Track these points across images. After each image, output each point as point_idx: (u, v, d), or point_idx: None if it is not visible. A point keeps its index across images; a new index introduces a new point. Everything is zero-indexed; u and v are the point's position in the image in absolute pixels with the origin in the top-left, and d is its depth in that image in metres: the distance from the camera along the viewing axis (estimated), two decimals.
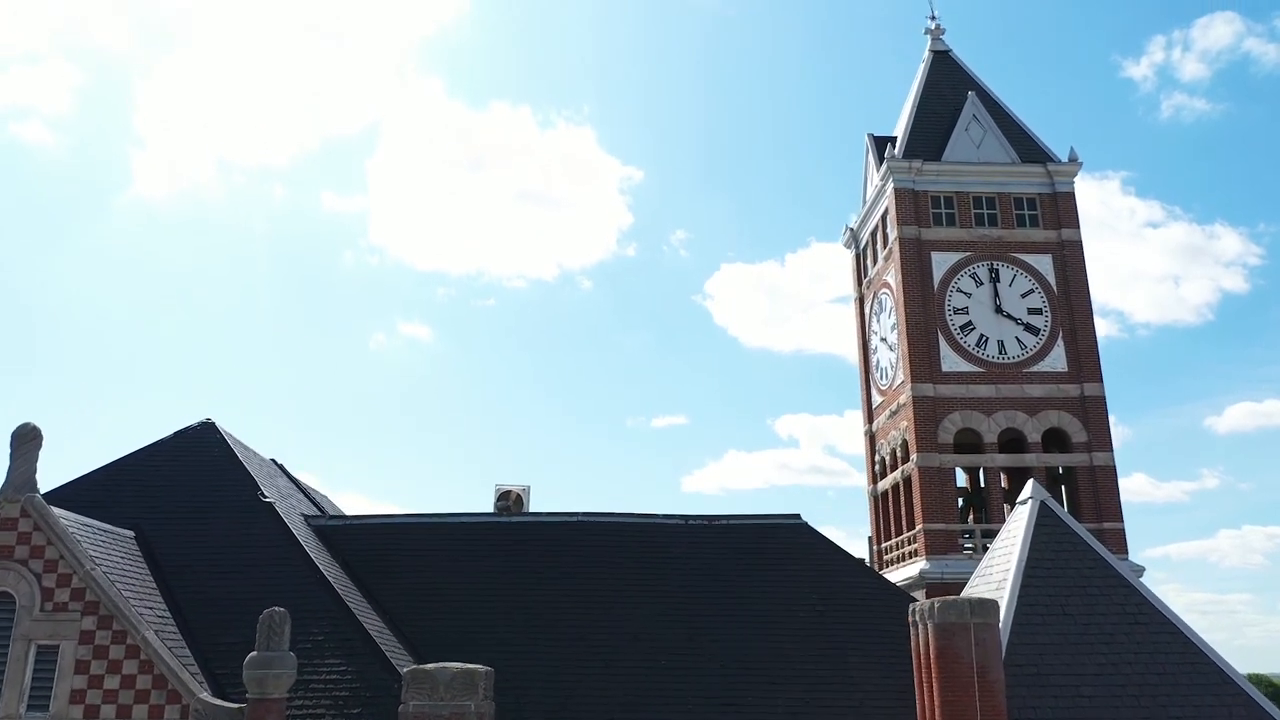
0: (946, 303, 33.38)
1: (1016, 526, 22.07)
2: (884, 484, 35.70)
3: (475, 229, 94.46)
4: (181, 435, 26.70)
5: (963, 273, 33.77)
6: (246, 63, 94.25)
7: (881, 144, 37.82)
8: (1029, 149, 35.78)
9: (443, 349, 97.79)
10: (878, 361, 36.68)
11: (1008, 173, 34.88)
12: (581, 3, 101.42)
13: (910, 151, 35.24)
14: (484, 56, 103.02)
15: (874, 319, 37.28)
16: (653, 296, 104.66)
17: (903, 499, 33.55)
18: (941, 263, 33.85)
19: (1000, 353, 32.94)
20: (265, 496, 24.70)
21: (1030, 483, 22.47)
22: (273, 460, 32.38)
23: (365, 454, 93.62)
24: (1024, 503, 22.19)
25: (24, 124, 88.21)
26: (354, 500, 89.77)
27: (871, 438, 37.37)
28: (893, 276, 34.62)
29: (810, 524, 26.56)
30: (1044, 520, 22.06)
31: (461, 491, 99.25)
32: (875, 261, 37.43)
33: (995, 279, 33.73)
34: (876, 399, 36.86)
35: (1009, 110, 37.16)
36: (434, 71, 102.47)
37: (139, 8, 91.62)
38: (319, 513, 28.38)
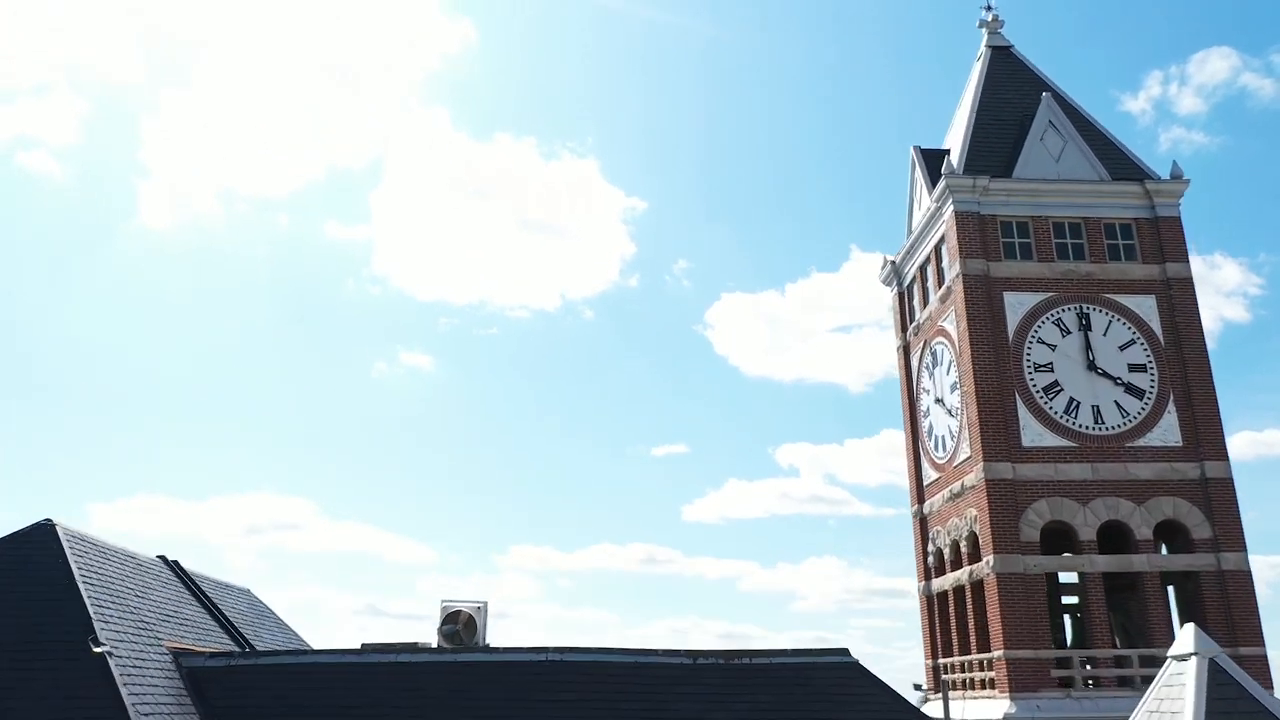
0: (1025, 357, 26.12)
1: (1176, 695, 14.76)
2: (941, 583, 28.28)
3: (478, 259, 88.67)
4: (9, 542, 19.45)
5: (1044, 319, 26.54)
6: (253, 95, 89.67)
7: (933, 160, 30.74)
8: (1119, 163, 28.70)
9: (444, 377, 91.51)
10: (931, 427, 29.38)
11: (1096, 192, 27.74)
12: (585, 34, 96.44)
13: (972, 166, 28.15)
14: (489, 88, 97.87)
15: (924, 373, 30.02)
16: (654, 326, 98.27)
17: (970, 608, 26.11)
18: (1017, 306, 26.63)
19: (1096, 421, 25.63)
20: (98, 645, 17.30)
21: (1191, 630, 15.09)
22: (162, 559, 25.08)
23: (365, 480, 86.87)
24: (1184, 659, 14.87)
25: (31, 154, 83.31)
26: (353, 529, 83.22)
27: (922, 521, 29.97)
28: (953, 323, 27.40)
29: (861, 663, 19.22)
30: (1218, 688, 14.83)
31: (457, 518, 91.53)
32: (926, 303, 30.23)
33: (1086, 327, 26.49)
34: (929, 474, 29.51)
35: (1089, 116, 30.12)
36: (439, 102, 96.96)
37: (149, 40, 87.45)
38: (205, 653, 20.85)
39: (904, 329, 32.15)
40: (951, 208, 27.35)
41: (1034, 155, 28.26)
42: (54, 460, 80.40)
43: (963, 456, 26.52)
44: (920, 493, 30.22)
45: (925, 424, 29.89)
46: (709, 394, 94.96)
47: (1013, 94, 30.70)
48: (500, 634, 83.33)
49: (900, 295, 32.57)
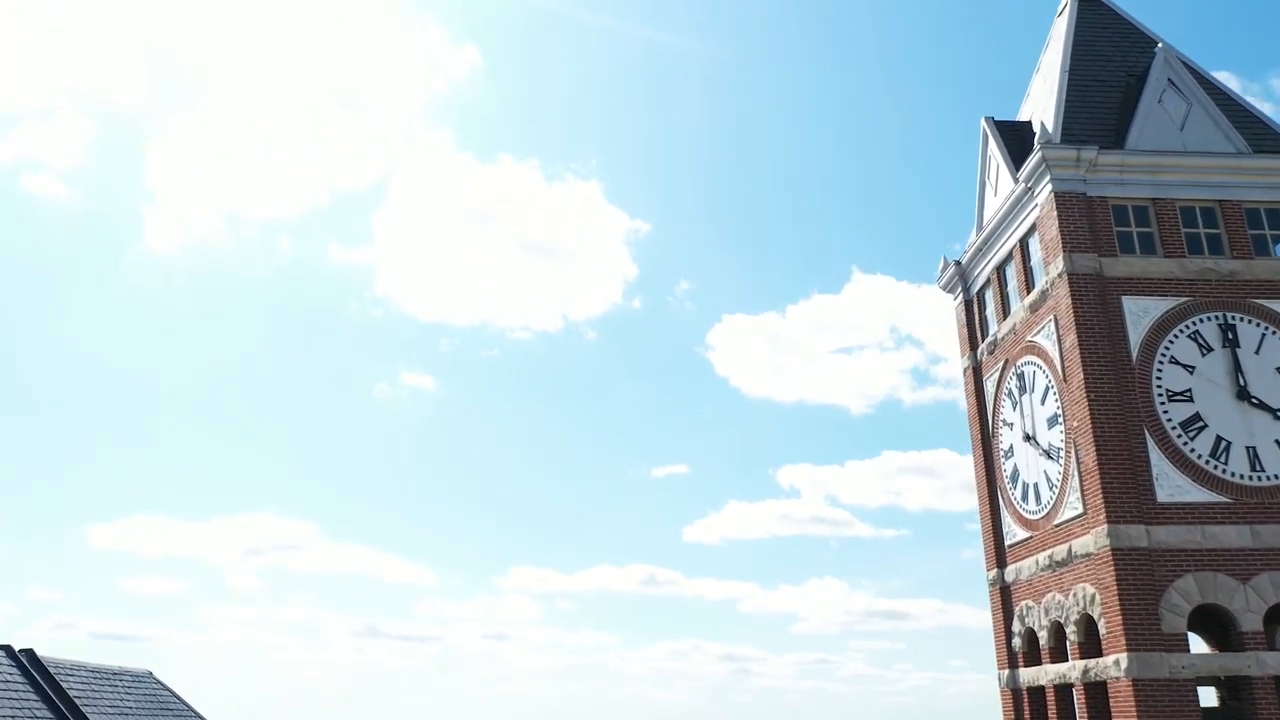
0: (1155, 382, 19.72)
1: None
2: (1035, 676, 21.72)
3: (481, 281, 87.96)
4: None
5: (1177, 332, 20.16)
6: (259, 118, 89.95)
7: (1011, 134, 24.48)
8: (1259, 132, 22.41)
9: (446, 398, 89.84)
10: (1015, 472, 22.90)
11: (1236, 168, 21.42)
12: (589, 57, 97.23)
13: (1071, 134, 21.85)
14: (493, 111, 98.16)
15: (1005, 402, 23.57)
16: (656, 348, 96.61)
17: (1085, 715, 19.57)
18: (1140, 315, 20.25)
19: (1253, 468, 19.20)
20: None
21: None
22: (5, 649, 18.89)
23: (366, 501, 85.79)
24: None
25: (36, 176, 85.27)
26: (353, 550, 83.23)
27: (1004, 591, 23.44)
28: (1050, 337, 21.01)
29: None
30: None
31: (457, 539, 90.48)
32: (1006, 312, 23.85)
33: (1233, 342, 20.11)
34: (1014, 531, 23.00)
35: (1210, 76, 23.86)
36: (444, 125, 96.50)
37: (156, 64, 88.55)
38: None
39: (973, 346, 25.72)
40: (1049, 188, 21.01)
41: (1152, 121, 21.95)
42: (54, 480, 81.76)
43: (1069, 514, 20.05)
44: (1000, 555, 23.69)
45: (1007, 466, 23.41)
46: (710, 415, 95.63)
47: (1110, 49, 24.45)
48: (500, 657, 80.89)
49: (967, 304, 26.16)
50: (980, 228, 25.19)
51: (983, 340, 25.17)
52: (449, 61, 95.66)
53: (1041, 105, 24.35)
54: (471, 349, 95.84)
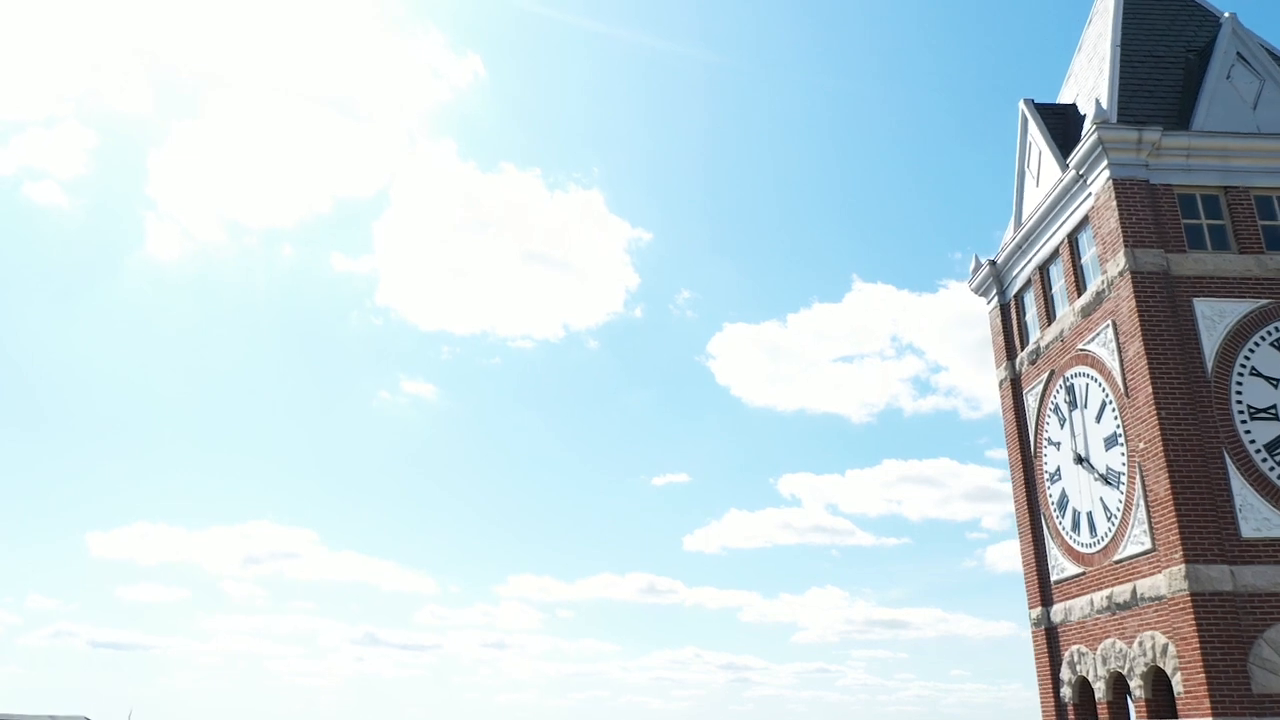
0: (1235, 397, 17.02)
1: None
2: None
3: (482, 289, 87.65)
4: None
5: (1258, 339, 17.46)
6: (261, 127, 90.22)
7: (1054, 117, 21.88)
8: None
9: (447, 407, 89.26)
10: (1064, 497, 20.20)
11: None
12: (592, 66, 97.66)
13: (1128, 115, 19.21)
14: (497, 120, 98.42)
15: (1051, 419, 20.88)
16: (657, 356, 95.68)
17: None
18: (1214, 319, 17.57)
19: None
20: None
21: None
22: None
23: (366, 509, 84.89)
24: None
25: (38, 185, 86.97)
26: (352, 558, 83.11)
27: (1050, 634, 20.70)
28: (1108, 345, 18.33)
29: None
30: None
31: (458, 547, 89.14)
32: (1050, 317, 21.19)
33: None
34: (1063, 565, 20.26)
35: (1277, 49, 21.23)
36: (447, 135, 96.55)
37: (158, 73, 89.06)
38: None
39: (1010, 355, 23.03)
40: (1106, 174, 18.35)
41: (1220, 100, 19.30)
42: (54, 488, 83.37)
43: (1134, 549, 17.32)
44: (1045, 591, 20.95)
45: (1052, 491, 20.70)
46: (711, 424, 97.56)
47: (1165, 23, 21.82)
48: (499, 666, 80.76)
49: (1004, 309, 23.48)
50: (1019, 223, 22.54)
51: (1022, 349, 22.49)
52: (452, 71, 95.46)
53: (1089, 85, 21.71)
54: (472, 357, 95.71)
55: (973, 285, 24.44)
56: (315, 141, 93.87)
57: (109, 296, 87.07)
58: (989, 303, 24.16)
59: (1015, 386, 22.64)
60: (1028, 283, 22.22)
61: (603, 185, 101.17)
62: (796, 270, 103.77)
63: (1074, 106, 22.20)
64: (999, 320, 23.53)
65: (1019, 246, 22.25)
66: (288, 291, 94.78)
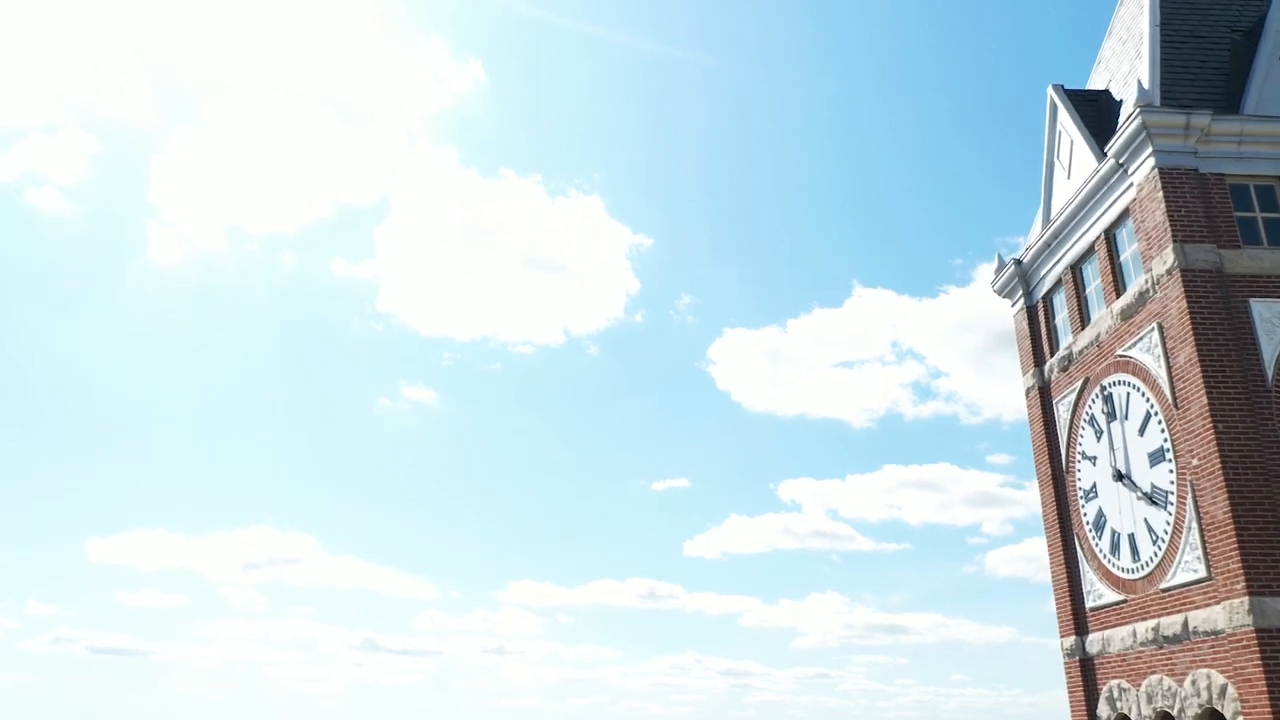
0: None
1: None
2: None
3: (483, 295, 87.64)
4: None
5: None
6: (263, 133, 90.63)
7: (1087, 105, 20.22)
8: None
9: (447, 412, 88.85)
10: (1099, 516, 18.49)
11: None
12: (593, 72, 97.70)
13: (1171, 99, 17.54)
14: (498, 126, 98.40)
15: (1085, 431, 19.18)
16: (657, 362, 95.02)
17: None
18: (1273, 322, 15.87)
19: None
20: None
21: None
22: None
23: (366, 515, 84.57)
24: None
25: (40, 191, 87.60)
26: (352, 564, 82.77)
27: (1085, 666, 18.98)
28: (1153, 351, 16.64)
29: None
30: None
31: (458, 552, 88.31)
32: (1084, 321, 19.50)
33: None
34: (1101, 591, 18.54)
35: None
36: (448, 141, 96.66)
37: (160, 79, 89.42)
38: None
39: (1038, 362, 21.33)
40: (1150, 162, 16.67)
41: (1273, 81, 17.63)
42: (54, 494, 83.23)
43: (1186, 577, 15.61)
44: (1079, 619, 19.23)
45: (1087, 510, 18.99)
46: (711, 429, 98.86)
47: (1206, 1, 20.16)
48: (499, 671, 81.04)
49: (1030, 312, 21.79)
50: (1047, 219, 20.86)
51: (1052, 354, 20.80)
52: (453, 77, 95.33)
53: (1123, 69, 20.05)
54: (473, 363, 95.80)
55: (996, 286, 22.75)
56: (316, 147, 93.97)
57: (110, 303, 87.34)
58: (1013, 305, 22.48)
59: (1044, 395, 20.94)
60: (1058, 283, 20.53)
61: (603, 191, 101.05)
62: (797, 275, 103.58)
63: (1107, 93, 20.54)
64: (1025, 323, 21.84)
65: (1048, 244, 20.57)
66: (289, 297, 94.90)
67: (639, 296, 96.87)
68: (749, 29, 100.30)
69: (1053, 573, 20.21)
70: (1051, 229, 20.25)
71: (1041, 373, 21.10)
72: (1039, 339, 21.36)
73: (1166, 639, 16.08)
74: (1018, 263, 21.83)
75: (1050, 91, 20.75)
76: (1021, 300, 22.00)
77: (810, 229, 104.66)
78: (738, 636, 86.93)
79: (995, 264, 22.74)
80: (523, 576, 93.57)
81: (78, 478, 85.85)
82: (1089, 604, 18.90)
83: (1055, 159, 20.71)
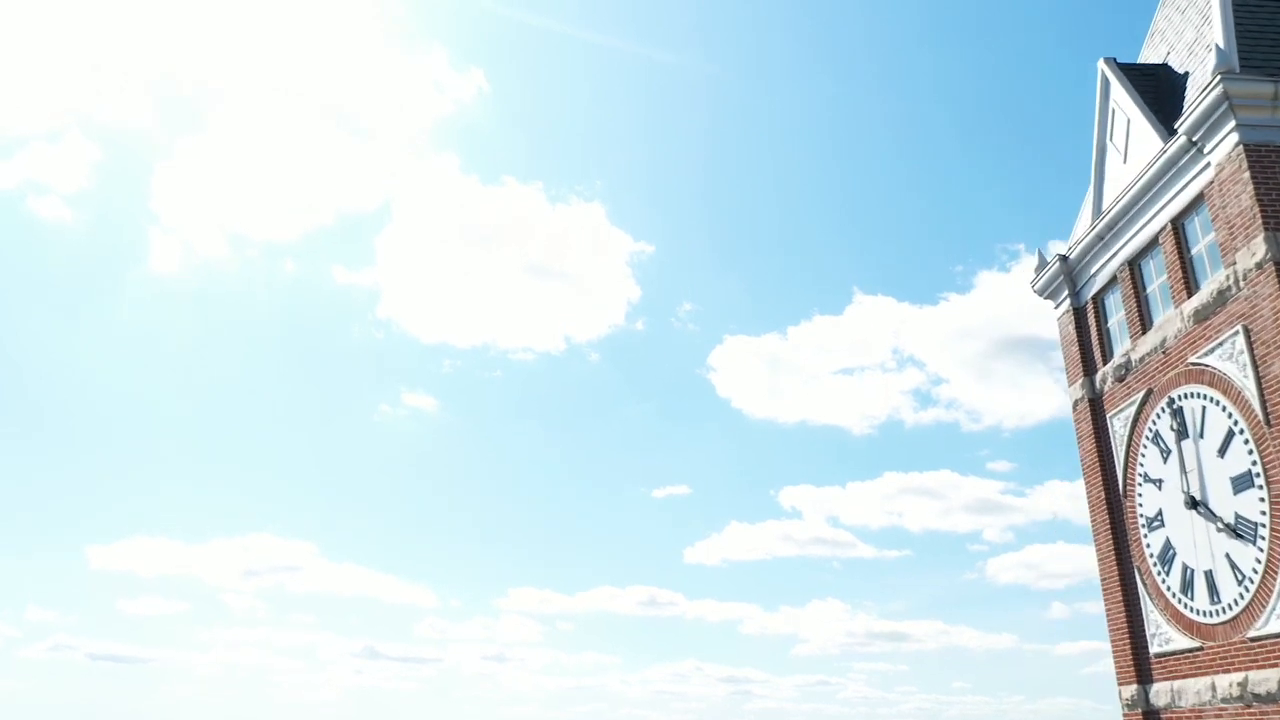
0: None
1: None
2: None
3: (484, 302, 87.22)
4: None
5: None
6: (265, 141, 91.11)
7: (1143, 79, 17.86)
8: None
9: (448, 419, 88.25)
10: (1166, 548, 16.06)
11: None
12: (594, 79, 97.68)
13: (1251, 65, 15.16)
14: (499, 133, 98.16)
15: (1149, 449, 16.76)
16: (658, 369, 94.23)
17: None
18: None
19: None
20: None
21: None
22: None
23: (366, 522, 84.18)
24: None
25: (42, 199, 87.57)
26: (352, 571, 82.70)
27: (1149, 718, 16.52)
28: (1234, 357, 14.24)
29: None
30: None
31: (458, 560, 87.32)
32: (1145, 323, 17.10)
33: None
34: (1168, 634, 16.10)
35: None
36: (449, 148, 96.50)
37: (162, 88, 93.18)
38: None
39: (1088, 370, 18.92)
40: (1234, 138, 14.28)
41: None
42: (54, 501, 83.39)
43: (1275, 620, 13.20)
44: (1142, 666, 16.78)
45: (1151, 541, 16.55)
46: (711, 436, 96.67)
47: None
48: (499, 679, 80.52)
49: (1077, 314, 19.39)
50: (1098, 210, 18.48)
51: (1105, 362, 18.39)
52: (455, 85, 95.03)
53: (1185, 39, 17.68)
54: (474, 370, 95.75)
55: (1036, 285, 20.36)
56: (318, 155, 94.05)
57: (111, 310, 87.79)
58: (1057, 306, 20.08)
59: (1095, 408, 18.52)
60: (1112, 281, 18.14)
61: (604, 198, 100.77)
62: (797, 283, 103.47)
63: (1165, 67, 18.18)
64: (1072, 327, 19.43)
65: (1100, 237, 18.17)
66: (290, 304, 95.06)
67: (640, 304, 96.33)
68: (749, 35, 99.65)
69: (1108, 611, 17.78)
70: (1104, 220, 17.86)
71: (1092, 382, 18.69)
72: (1088, 345, 18.95)
73: (1258, 697, 13.65)
74: (1063, 259, 19.44)
75: (1101, 66, 18.39)
76: (1067, 301, 19.60)
77: (811, 236, 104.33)
78: (738, 644, 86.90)
79: (1036, 261, 20.36)
80: (523, 584, 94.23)
81: (78, 484, 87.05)
82: (1154, 649, 16.46)
83: (1108, 141, 18.33)
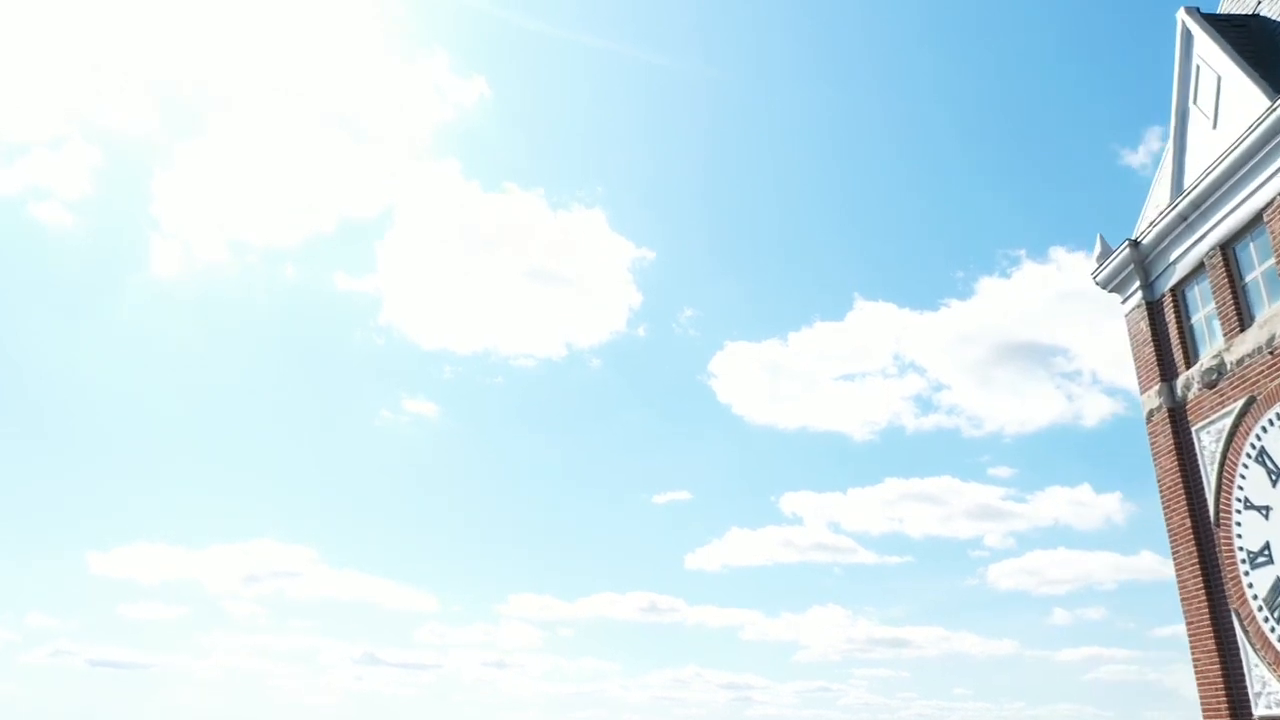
0: None
1: None
2: None
3: (485, 308, 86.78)
4: None
5: None
6: (266, 147, 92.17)
7: (1235, 31, 15.11)
8: None
9: (449, 425, 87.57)
10: (1276, 588, 13.27)
11: None
12: (596, 85, 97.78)
13: None
14: (501, 139, 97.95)
15: (1250, 469, 13.97)
16: (658, 375, 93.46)
17: None
18: None
19: None
20: None
21: None
22: None
23: (367, 528, 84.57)
24: None
25: (43, 205, 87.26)
26: (353, 577, 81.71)
27: None
28: None
29: None
30: None
31: (459, 566, 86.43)
32: (1243, 320, 14.32)
33: None
34: (1276, 694, 13.31)
35: None
36: (451, 154, 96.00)
37: (163, 93, 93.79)
38: None
39: (1166, 375, 16.14)
40: None
41: None
42: (54, 507, 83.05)
43: None
44: (1235, 715, 14.01)
45: (1256, 580, 13.77)
46: (712, 442, 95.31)
47: None
48: (499, 685, 78.44)
49: (1151, 309, 16.62)
50: (1178, 186, 15.74)
51: (1189, 365, 15.62)
52: (457, 91, 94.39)
53: None
54: (475, 376, 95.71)
55: (1099, 276, 17.61)
56: (319, 161, 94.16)
57: (113, 315, 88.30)
58: (1125, 300, 17.32)
59: (1176, 419, 15.75)
60: (1197, 269, 15.38)
61: (605, 204, 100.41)
62: (798, 289, 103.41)
63: (1257, 18, 15.45)
64: (1145, 324, 16.66)
65: (1183, 218, 15.41)
66: (290, 310, 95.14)
67: (641, 310, 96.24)
68: (748, 39, 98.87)
69: (1196, 662, 15.00)
70: (1188, 198, 15.11)
71: (1172, 389, 15.92)
72: (1166, 345, 16.18)
73: None
74: (1133, 244, 16.68)
75: (1182, 17, 15.64)
76: (1138, 294, 16.84)
77: (811, 242, 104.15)
78: (739, 650, 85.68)
79: (1097, 248, 17.61)
80: (523, 589, 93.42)
81: (79, 490, 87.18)
82: (1259, 710, 13.68)
83: (1190, 105, 15.58)
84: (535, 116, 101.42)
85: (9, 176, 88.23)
